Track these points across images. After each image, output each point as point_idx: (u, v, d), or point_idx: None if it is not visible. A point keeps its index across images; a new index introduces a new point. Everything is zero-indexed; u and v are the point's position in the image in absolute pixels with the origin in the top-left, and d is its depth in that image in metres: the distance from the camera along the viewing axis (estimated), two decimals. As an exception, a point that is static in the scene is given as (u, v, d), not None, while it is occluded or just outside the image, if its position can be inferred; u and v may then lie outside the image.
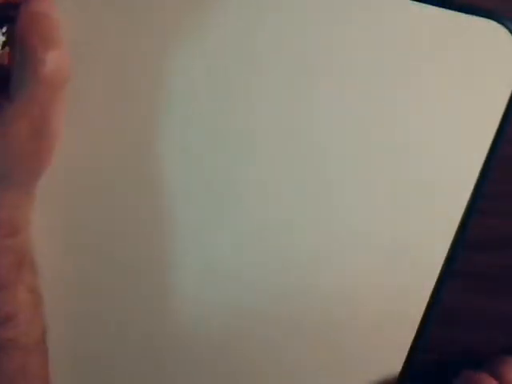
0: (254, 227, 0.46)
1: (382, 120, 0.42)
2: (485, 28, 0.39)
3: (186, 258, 0.46)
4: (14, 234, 0.37)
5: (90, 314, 0.48)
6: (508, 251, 0.46)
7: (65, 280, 0.46)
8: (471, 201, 0.44)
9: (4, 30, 0.32)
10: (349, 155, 0.43)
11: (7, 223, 0.36)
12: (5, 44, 0.32)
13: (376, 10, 0.39)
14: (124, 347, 0.49)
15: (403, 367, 0.49)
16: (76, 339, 0.48)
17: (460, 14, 0.39)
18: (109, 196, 0.44)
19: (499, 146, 0.42)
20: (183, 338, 0.49)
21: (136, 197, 0.45)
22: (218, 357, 0.49)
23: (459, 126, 0.42)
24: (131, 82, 0.42)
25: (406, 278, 0.46)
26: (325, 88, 0.42)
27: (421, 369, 0.49)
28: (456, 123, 0.42)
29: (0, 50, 0.32)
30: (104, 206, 0.45)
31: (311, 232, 0.45)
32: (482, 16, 0.39)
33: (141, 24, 0.40)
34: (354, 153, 0.43)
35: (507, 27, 0.39)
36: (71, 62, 0.34)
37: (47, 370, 0.42)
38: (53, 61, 0.32)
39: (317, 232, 0.45)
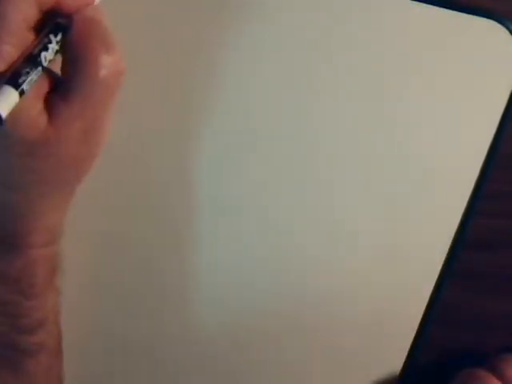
0: (254, 227, 0.46)
1: (381, 120, 0.42)
2: (485, 28, 0.39)
3: (187, 260, 0.46)
4: (52, 243, 0.37)
5: (100, 314, 0.48)
6: (508, 251, 0.47)
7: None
8: (471, 201, 0.44)
9: (59, 38, 0.32)
10: (349, 155, 0.43)
11: (46, 231, 0.37)
12: (57, 52, 0.32)
13: (376, 10, 0.40)
14: (127, 346, 0.49)
15: (403, 367, 0.49)
16: (86, 338, 0.48)
17: (460, 13, 0.39)
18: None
19: (499, 146, 0.42)
20: (185, 337, 0.49)
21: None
22: (218, 356, 0.50)
23: (459, 126, 0.42)
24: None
25: (406, 277, 0.46)
26: (325, 87, 0.42)
27: (421, 369, 0.49)
28: (456, 123, 0.42)
29: (53, 57, 0.32)
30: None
31: (311, 232, 0.45)
32: (482, 16, 0.39)
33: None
34: (354, 153, 0.43)
35: (507, 27, 0.39)
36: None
37: (63, 371, 0.42)
38: (113, 64, 0.32)
39: (317, 232, 0.45)
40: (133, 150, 0.43)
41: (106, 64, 0.32)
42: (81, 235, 0.45)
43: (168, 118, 0.43)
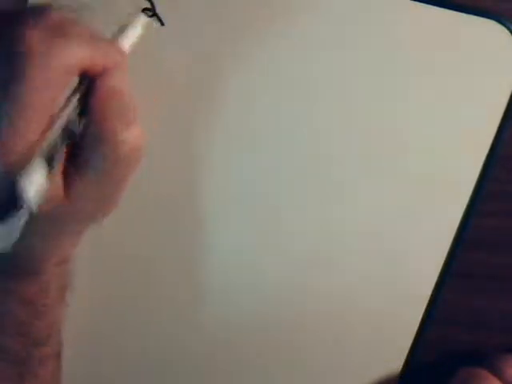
0: (253, 228, 0.46)
1: (381, 120, 0.42)
2: (485, 28, 0.39)
3: (192, 263, 0.46)
4: (65, 262, 0.38)
5: (100, 315, 0.48)
6: (508, 251, 0.47)
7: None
8: (471, 201, 0.44)
9: (78, 97, 0.30)
10: (348, 156, 0.43)
11: (61, 255, 0.37)
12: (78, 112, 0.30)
13: (376, 10, 0.40)
14: (130, 349, 0.49)
15: (403, 367, 0.49)
16: (86, 339, 0.48)
17: (460, 13, 0.39)
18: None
19: (499, 146, 0.42)
20: (187, 336, 0.49)
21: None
22: (217, 355, 0.50)
23: (459, 126, 0.42)
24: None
25: (407, 278, 0.46)
26: (325, 88, 0.42)
27: (421, 369, 0.49)
28: (456, 123, 0.42)
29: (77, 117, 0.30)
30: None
31: (311, 232, 0.45)
32: (482, 16, 0.39)
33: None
34: (354, 153, 0.43)
35: (507, 27, 0.39)
36: None
37: (62, 372, 0.43)
38: (132, 140, 0.30)
39: (317, 232, 0.45)
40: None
41: (126, 141, 0.30)
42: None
43: (175, 118, 0.43)
